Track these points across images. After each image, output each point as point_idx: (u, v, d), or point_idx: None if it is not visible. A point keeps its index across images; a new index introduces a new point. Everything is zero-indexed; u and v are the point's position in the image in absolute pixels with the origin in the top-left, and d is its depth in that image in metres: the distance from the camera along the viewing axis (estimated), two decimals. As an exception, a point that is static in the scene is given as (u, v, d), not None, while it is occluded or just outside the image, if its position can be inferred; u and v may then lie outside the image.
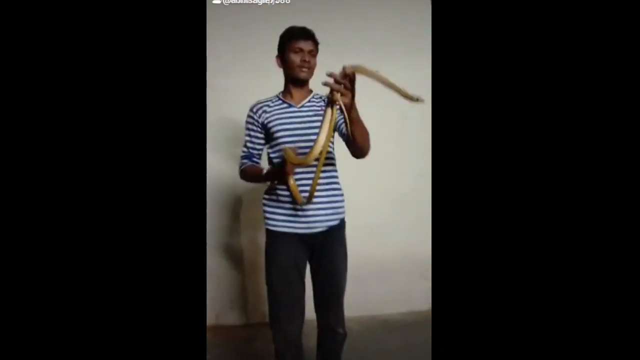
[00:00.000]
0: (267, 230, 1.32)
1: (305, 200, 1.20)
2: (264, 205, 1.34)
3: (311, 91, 1.34)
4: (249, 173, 1.35)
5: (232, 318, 2.19)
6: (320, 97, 1.34)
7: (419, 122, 1.77)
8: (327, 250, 1.30)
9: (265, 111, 1.33)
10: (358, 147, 1.17)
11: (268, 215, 1.32)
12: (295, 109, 1.30)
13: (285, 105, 1.33)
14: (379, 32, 2.14)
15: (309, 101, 1.32)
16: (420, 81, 1.74)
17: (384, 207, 2.27)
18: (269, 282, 1.30)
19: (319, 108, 1.30)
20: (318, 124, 1.12)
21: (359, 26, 2.15)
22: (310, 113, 1.29)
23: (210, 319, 2.17)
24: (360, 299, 2.00)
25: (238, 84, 2.08)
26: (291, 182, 1.20)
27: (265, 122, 1.32)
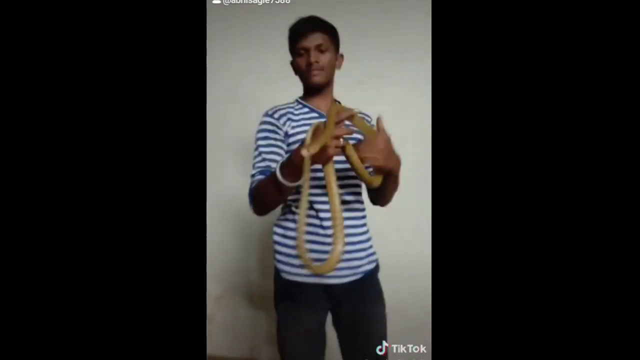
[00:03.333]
0: (281, 279, 1.02)
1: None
2: (277, 242, 1.04)
3: (338, 102, 1.10)
4: (262, 187, 0.94)
5: (268, 353, 2.12)
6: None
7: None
8: (364, 304, 1.02)
9: (290, 119, 1.03)
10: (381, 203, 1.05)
11: (282, 258, 1.02)
12: None
13: (315, 114, 1.05)
14: (380, 33, 2.10)
15: None
16: (421, 81, 1.74)
17: (420, 247, 1.99)
18: (285, 346, 1.02)
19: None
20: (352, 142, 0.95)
21: (359, 26, 2.10)
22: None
23: (245, 352, 2.12)
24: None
25: (238, 84, 2.08)
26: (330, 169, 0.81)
27: (292, 132, 1.01)
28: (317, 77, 1.02)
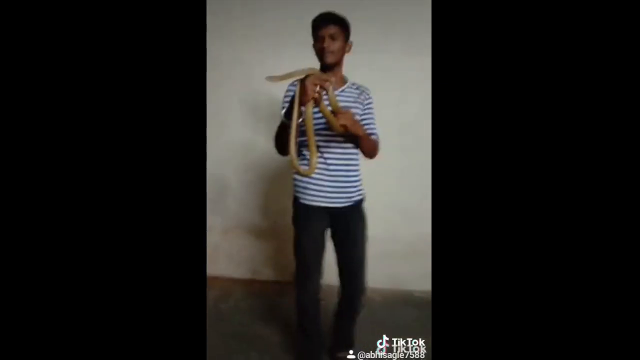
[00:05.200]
0: (299, 203, 1.43)
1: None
2: (296, 179, 1.44)
3: (346, 80, 1.42)
4: (279, 130, 1.30)
5: (266, 274, 2.39)
6: (354, 85, 1.42)
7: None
8: (352, 223, 1.44)
9: None
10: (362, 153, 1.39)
11: (301, 190, 1.42)
12: (337, 92, 1.35)
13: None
14: (379, 31, 2.08)
15: (348, 88, 1.40)
16: (421, 80, 1.77)
17: (415, 189, 2.29)
18: (299, 248, 1.44)
19: (357, 95, 1.39)
20: (354, 110, 1.33)
21: (359, 21, 2.10)
22: (350, 99, 1.37)
23: (247, 273, 2.40)
24: (386, 273, 2.14)
25: (237, 73, 2.17)
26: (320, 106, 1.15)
27: None
28: (329, 59, 1.32)
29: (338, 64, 1.36)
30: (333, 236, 1.47)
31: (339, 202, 1.39)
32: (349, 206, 1.41)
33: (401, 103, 2.14)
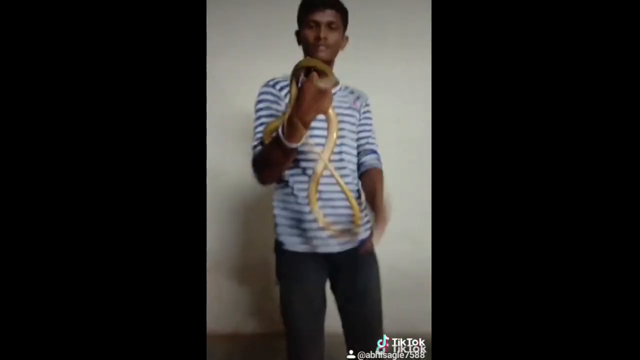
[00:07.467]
0: (283, 250, 1.06)
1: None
2: (278, 216, 1.07)
3: (338, 82, 1.07)
4: (263, 151, 0.96)
5: (252, 327, 2.19)
6: (347, 88, 1.14)
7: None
8: (361, 271, 1.08)
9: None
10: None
11: (283, 231, 1.06)
12: None
13: None
14: (379, 30, 2.13)
15: (341, 91, 1.11)
16: (420, 80, 1.73)
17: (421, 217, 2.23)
18: (290, 313, 1.05)
19: (351, 101, 1.11)
20: (349, 119, 1.07)
21: (358, 21, 2.17)
22: (344, 104, 1.09)
23: (231, 327, 2.18)
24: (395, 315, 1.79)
25: (237, 72, 2.13)
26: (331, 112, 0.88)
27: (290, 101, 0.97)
28: (323, 53, 1.01)
29: (330, 62, 1.05)
30: (334, 291, 1.11)
31: (342, 244, 1.03)
32: (354, 248, 1.05)
33: (402, 117, 2.08)
